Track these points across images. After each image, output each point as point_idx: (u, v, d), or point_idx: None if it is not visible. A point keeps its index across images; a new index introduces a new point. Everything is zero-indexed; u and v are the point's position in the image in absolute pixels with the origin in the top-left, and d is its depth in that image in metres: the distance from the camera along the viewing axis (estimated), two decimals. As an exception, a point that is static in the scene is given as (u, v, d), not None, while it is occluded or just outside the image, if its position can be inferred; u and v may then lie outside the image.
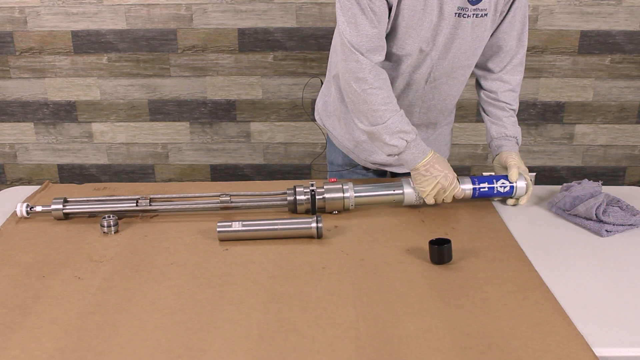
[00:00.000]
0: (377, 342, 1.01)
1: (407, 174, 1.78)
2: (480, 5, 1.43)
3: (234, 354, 0.98)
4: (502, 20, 1.53)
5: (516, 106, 1.64)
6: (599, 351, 0.98)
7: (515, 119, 1.64)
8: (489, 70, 1.62)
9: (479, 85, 1.67)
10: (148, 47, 2.81)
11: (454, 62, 1.53)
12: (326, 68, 1.76)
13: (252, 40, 2.79)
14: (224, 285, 1.18)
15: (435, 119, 1.70)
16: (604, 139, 2.95)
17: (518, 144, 1.62)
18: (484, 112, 1.66)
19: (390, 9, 1.41)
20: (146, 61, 2.84)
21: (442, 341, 1.00)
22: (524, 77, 2.79)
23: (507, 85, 1.62)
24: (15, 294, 1.16)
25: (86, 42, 2.80)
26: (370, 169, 1.77)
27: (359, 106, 1.47)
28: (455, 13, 1.43)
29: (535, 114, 2.91)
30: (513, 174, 1.50)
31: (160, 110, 2.93)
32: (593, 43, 2.76)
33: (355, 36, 1.40)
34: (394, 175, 1.83)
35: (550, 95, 2.87)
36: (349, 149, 1.73)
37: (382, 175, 1.80)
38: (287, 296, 1.14)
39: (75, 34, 2.79)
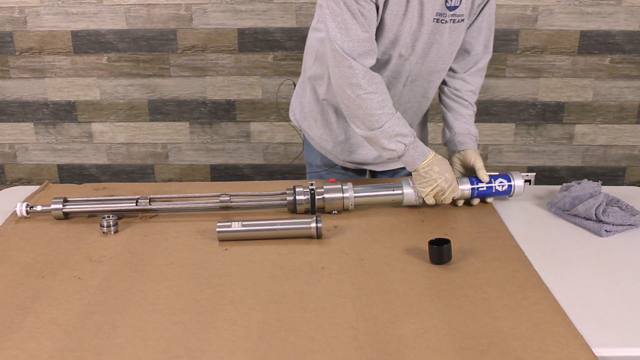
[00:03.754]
0: (376, 342, 1.01)
1: (386, 173, 1.79)
2: (457, 11, 1.46)
3: (233, 354, 0.98)
4: (470, 25, 1.55)
5: (475, 107, 1.67)
6: (598, 351, 0.98)
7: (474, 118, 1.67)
8: (453, 70, 1.65)
9: (442, 82, 1.68)
10: (148, 47, 2.81)
11: (432, 66, 1.55)
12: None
13: (251, 40, 2.79)
14: (223, 285, 1.18)
15: (409, 120, 1.71)
16: (603, 139, 2.95)
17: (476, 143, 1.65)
18: (445, 107, 1.67)
19: (377, 12, 1.41)
20: (146, 61, 2.84)
21: (441, 341, 1.00)
22: (524, 77, 2.83)
23: (470, 86, 1.64)
24: (14, 294, 1.16)
25: (86, 42, 2.81)
26: (349, 168, 1.77)
27: (354, 111, 1.47)
28: (434, 19, 1.44)
29: (535, 114, 2.91)
30: (484, 175, 1.51)
31: (160, 110, 2.93)
32: (593, 43, 2.76)
33: (346, 41, 1.40)
34: (373, 174, 1.84)
35: (550, 95, 2.87)
36: (327, 149, 1.73)
37: (362, 174, 1.81)
38: (287, 296, 1.14)
39: (75, 34, 2.79)
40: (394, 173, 1.80)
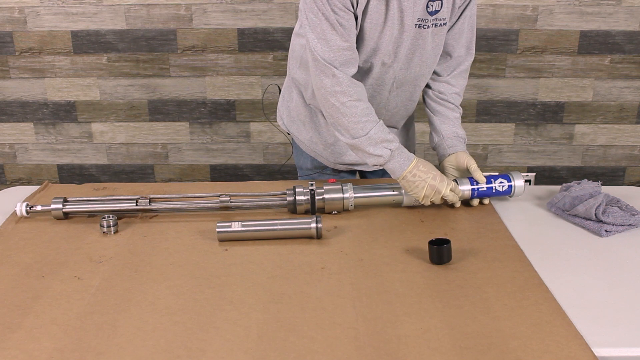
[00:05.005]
0: (376, 342, 1.01)
1: (375, 173, 1.79)
2: (439, 15, 1.46)
3: (233, 354, 0.98)
4: (451, 27, 1.55)
5: (461, 110, 1.67)
6: (598, 351, 0.98)
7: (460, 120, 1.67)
8: (436, 74, 1.64)
9: (426, 85, 1.68)
10: (148, 47, 2.81)
11: (416, 71, 1.55)
12: None
13: (251, 40, 2.79)
14: (223, 286, 1.18)
15: (396, 124, 1.72)
16: (603, 139, 2.95)
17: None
18: (431, 110, 1.66)
19: (357, 21, 1.41)
20: (146, 61, 2.84)
21: (441, 341, 1.01)
22: (524, 77, 2.83)
23: (454, 89, 1.64)
24: (14, 294, 1.16)
25: (86, 42, 2.81)
26: (340, 170, 1.77)
27: (338, 120, 1.46)
28: (416, 24, 1.44)
29: (535, 114, 2.91)
30: (480, 176, 1.51)
31: (160, 111, 2.93)
32: (593, 43, 2.76)
33: (327, 51, 1.40)
34: (362, 174, 1.83)
35: (550, 96, 2.87)
36: (318, 152, 1.72)
37: (352, 174, 1.81)
38: (287, 296, 1.14)
39: (74, 34, 2.79)
40: (383, 173, 1.80)
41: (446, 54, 1.60)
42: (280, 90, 1.83)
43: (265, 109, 2.91)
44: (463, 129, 1.65)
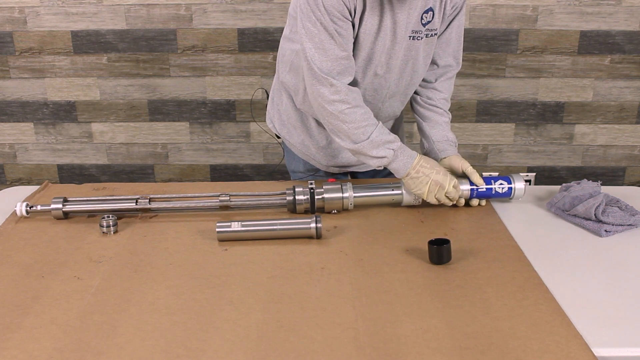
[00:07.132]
0: (376, 342, 1.01)
1: (367, 173, 1.79)
2: (430, 25, 1.46)
3: (233, 354, 0.98)
4: (439, 36, 1.55)
5: (450, 115, 1.66)
6: (598, 351, 0.98)
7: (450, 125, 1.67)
8: (424, 80, 1.64)
9: (414, 92, 1.68)
10: (148, 47, 2.81)
11: (408, 81, 1.56)
12: None
13: (251, 40, 2.79)
14: (223, 286, 1.18)
15: (386, 126, 1.72)
16: (603, 139, 2.95)
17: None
18: (420, 116, 1.66)
19: (353, 29, 1.41)
20: (146, 61, 2.84)
21: (441, 341, 1.01)
22: (524, 77, 2.83)
23: (442, 94, 1.64)
24: (14, 294, 1.16)
25: (86, 42, 2.81)
26: (333, 172, 1.77)
27: (338, 127, 1.46)
28: (409, 36, 1.44)
29: (535, 114, 2.91)
30: (478, 179, 1.50)
31: (159, 111, 2.93)
32: (593, 43, 2.76)
33: (325, 61, 1.40)
34: (354, 174, 1.83)
35: (550, 96, 2.87)
36: (311, 155, 1.72)
37: (345, 176, 1.81)
38: (287, 296, 1.14)
39: (75, 34, 2.79)
40: (375, 173, 1.80)
41: (432, 62, 1.60)
42: (267, 93, 1.82)
43: (265, 109, 2.91)
44: (454, 133, 1.64)
